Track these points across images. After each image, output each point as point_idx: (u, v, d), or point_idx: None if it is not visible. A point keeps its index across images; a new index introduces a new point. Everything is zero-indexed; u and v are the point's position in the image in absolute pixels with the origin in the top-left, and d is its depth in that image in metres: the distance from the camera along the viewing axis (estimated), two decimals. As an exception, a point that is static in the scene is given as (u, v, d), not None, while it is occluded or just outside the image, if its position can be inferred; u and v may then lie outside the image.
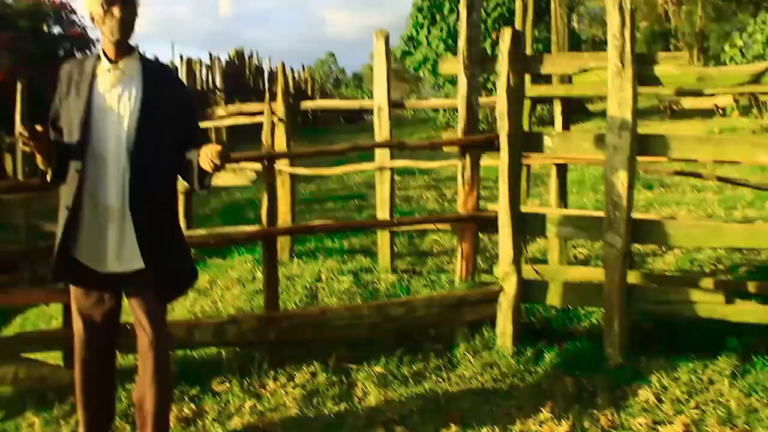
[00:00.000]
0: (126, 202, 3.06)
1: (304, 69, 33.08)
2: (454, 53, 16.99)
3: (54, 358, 4.48)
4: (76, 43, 14.90)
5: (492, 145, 4.71)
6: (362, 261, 6.43)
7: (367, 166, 6.58)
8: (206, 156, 2.93)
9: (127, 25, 3.09)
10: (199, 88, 21.60)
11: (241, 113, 7.50)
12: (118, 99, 3.10)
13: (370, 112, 32.57)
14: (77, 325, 3.27)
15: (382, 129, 6.06)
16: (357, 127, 28.61)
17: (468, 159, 4.81)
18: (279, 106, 6.31)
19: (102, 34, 3.14)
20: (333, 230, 6.03)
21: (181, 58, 20.89)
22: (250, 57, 26.32)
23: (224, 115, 7.52)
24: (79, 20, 15.57)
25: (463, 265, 4.98)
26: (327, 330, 4.54)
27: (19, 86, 8.48)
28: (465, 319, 4.66)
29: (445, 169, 12.03)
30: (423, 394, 4.15)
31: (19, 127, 2.90)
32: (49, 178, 3.09)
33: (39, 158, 3.04)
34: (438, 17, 17.64)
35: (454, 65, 5.04)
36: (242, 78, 24.96)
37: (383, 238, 6.24)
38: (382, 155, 6.10)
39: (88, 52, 15.37)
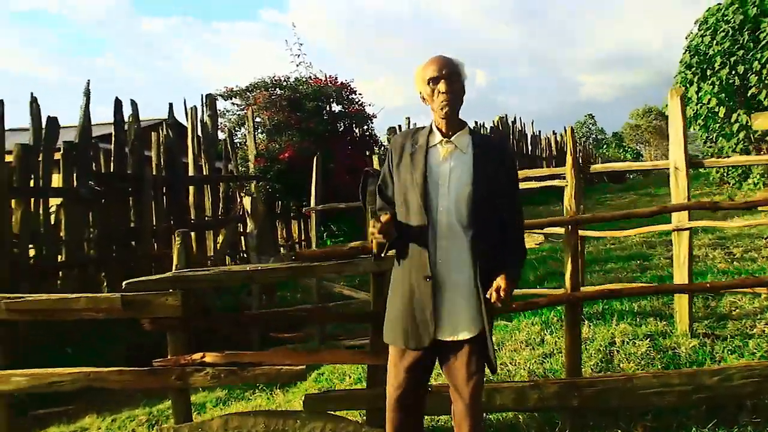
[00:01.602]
0: (468, 275, 3.13)
1: (566, 131, 33.08)
2: (727, 108, 16.17)
3: (354, 415, 4.68)
4: (355, 118, 15.81)
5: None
6: (657, 324, 6.07)
7: (665, 227, 6.28)
8: (495, 289, 3.02)
9: (454, 99, 3.18)
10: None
11: (527, 178, 7.44)
12: (449, 172, 3.17)
13: (634, 171, 31.28)
14: (391, 384, 3.32)
15: (679, 189, 5.77)
16: (622, 186, 27.78)
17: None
18: (570, 170, 6.27)
19: (432, 111, 3.24)
20: (641, 294, 5.74)
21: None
22: (513, 122, 26.60)
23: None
24: (358, 98, 16.51)
25: (786, 332, 4.53)
26: (632, 397, 4.30)
27: (314, 161, 9.15)
28: (789, 391, 4.21)
29: (731, 227, 11.21)
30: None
31: (370, 227, 3.04)
32: (385, 254, 3.26)
33: (375, 244, 3.21)
34: (709, 72, 16.77)
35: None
36: (506, 143, 25.28)
37: (681, 301, 5.85)
38: (679, 215, 5.78)
39: (365, 127, 16.22)
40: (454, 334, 3.16)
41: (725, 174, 19.10)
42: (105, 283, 10.15)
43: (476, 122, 23.39)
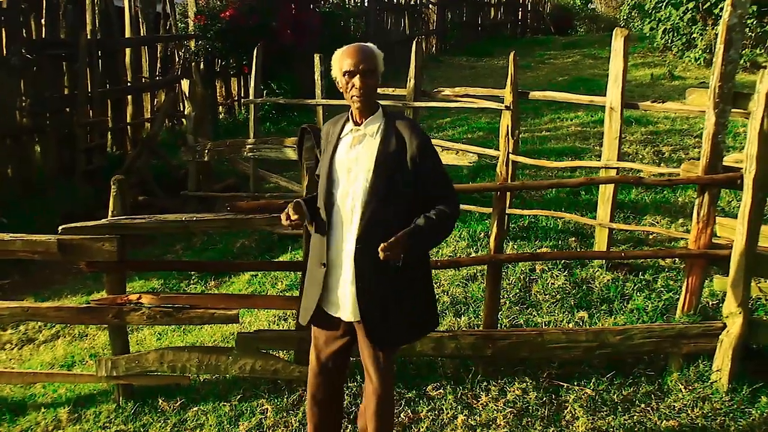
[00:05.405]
0: (352, 256, 3.28)
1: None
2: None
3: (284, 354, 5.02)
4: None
5: (734, 185, 4.51)
6: (577, 247, 6.44)
7: (592, 164, 6.45)
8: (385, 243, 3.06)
9: (367, 93, 3.25)
10: (413, 2, 21.63)
11: (467, 96, 7.39)
12: (356, 159, 3.29)
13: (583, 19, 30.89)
14: (311, 356, 3.60)
15: (612, 130, 5.87)
16: (568, 40, 27.43)
17: (707, 197, 4.60)
18: (507, 95, 6.32)
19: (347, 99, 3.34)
20: (565, 258, 5.94)
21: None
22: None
23: (450, 96, 7.47)
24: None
25: (687, 298, 4.87)
26: (542, 350, 4.67)
27: (255, 52, 8.82)
28: (682, 350, 4.63)
29: (664, 123, 11.43)
30: (631, 427, 4.25)
31: (283, 218, 3.21)
32: (311, 229, 3.45)
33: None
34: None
35: (702, 98, 4.77)
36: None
37: (601, 234, 6.16)
38: (608, 153, 5.93)
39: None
40: (358, 315, 3.34)
41: (669, 41, 19.12)
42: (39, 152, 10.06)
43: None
